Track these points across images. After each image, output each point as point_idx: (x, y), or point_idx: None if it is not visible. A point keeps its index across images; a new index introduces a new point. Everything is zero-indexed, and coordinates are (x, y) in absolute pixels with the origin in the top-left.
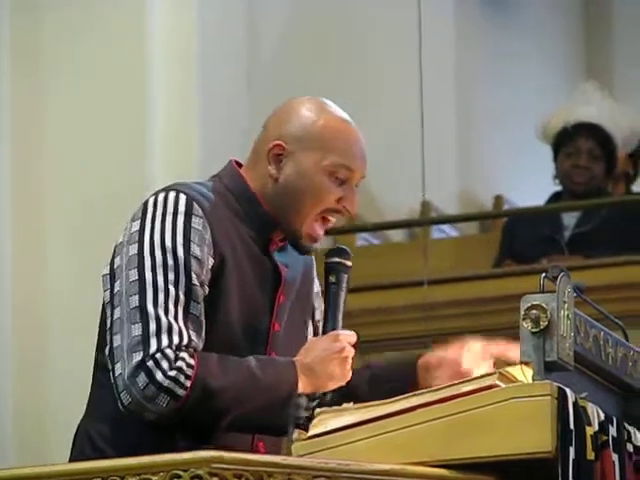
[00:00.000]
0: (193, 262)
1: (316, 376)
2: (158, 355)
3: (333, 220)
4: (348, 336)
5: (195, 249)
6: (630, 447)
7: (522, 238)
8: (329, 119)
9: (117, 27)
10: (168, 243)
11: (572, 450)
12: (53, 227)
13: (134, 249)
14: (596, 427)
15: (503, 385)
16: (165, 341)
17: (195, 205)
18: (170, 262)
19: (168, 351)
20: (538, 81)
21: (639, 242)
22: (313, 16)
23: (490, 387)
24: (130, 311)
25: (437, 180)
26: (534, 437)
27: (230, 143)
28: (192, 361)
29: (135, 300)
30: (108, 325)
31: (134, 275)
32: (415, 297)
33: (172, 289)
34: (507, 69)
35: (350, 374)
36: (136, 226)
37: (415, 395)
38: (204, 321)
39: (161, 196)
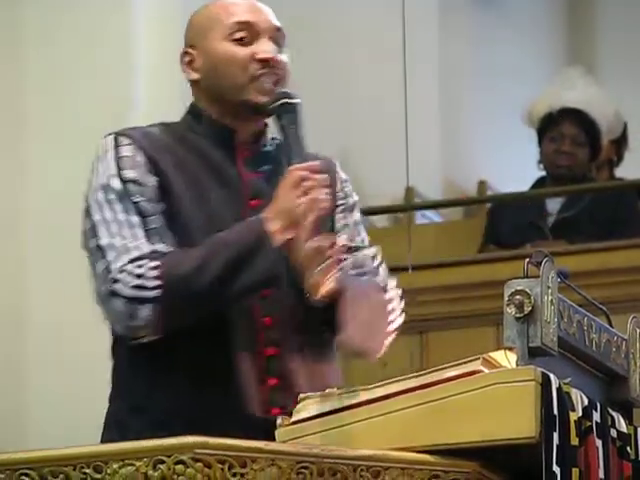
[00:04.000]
0: (131, 186)
1: (287, 212)
2: (120, 275)
3: (275, 74)
4: (304, 166)
5: (129, 173)
6: (614, 432)
7: (506, 224)
8: (208, 5)
9: (101, 19)
10: (104, 181)
11: (556, 436)
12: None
13: (85, 202)
14: (580, 412)
15: (487, 370)
16: (124, 260)
17: (120, 138)
18: (111, 196)
19: (128, 267)
20: (521, 67)
21: (622, 228)
22: (298, 4)
23: (474, 372)
24: (93, 254)
25: (421, 166)
26: (518, 423)
27: None
28: (155, 263)
29: (93, 242)
30: None
31: (88, 223)
32: (399, 283)
33: (122, 216)
34: (490, 55)
35: (323, 197)
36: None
37: (398, 381)
38: (167, 230)
39: (97, 147)
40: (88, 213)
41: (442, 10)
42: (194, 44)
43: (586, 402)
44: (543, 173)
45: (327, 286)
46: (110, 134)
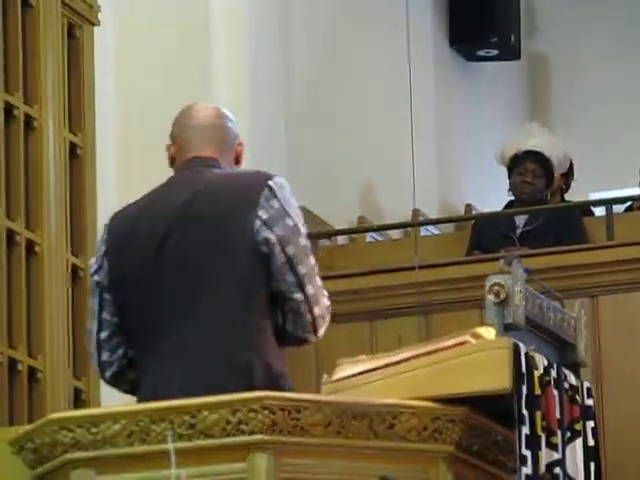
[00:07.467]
0: None
1: None
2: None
3: None
4: None
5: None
6: (566, 385)
7: (486, 235)
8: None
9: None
10: (302, 218)
11: (524, 388)
12: None
13: (291, 222)
14: (541, 371)
15: (473, 341)
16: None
17: None
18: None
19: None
20: (495, 121)
21: (570, 236)
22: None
23: (464, 342)
24: (311, 272)
25: (424, 194)
26: (496, 379)
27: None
28: None
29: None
30: None
31: (307, 242)
32: (409, 278)
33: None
34: (473, 113)
35: None
36: (277, 204)
37: (409, 349)
38: None
39: (279, 181)
40: (301, 233)
41: (438, 79)
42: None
43: (546, 363)
44: (512, 197)
45: None
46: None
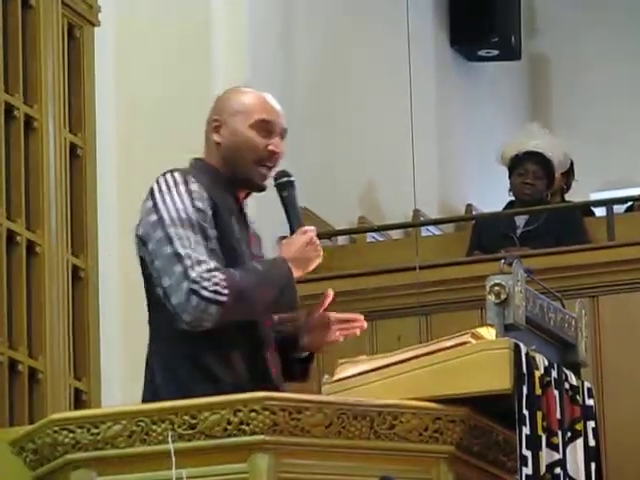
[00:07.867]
0: (200, 214)
1: (299, 262)
2: (199, 279)
3: (274, 164)
4: (311, 230)
5: (198, 204)
6: (567, 385)
7: (486, 235)
8: (244, 92)
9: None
10: (180, 205)
11: (525, 388)
12: None
13: (154, 217)
14: (542, 371)
15: (474, 341)
16: (201, 269)
17: (188, 176)
18: (184, 217)
19: (206, 275)
20: (496, 122)
21: (570, 236)
22: (333, 74)
23: (465, 343)
24: (168, 258)
25: (424, 194)
26: (497, 379)
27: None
28: (223, 276)
29: (169, 249)
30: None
31: (161, 233)
32: (410, 278)
33: (194, 237)
34: (474, 114)
35: (321, 255)
36: (150, 204)
37: (410, 349)
38: (219, 252)
39: (160, 179)
40: (162, 225)
41: (439, 79)
42: (221, 115)
43: (547, 363)
44: (512, 198)
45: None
46: (173, 172)
